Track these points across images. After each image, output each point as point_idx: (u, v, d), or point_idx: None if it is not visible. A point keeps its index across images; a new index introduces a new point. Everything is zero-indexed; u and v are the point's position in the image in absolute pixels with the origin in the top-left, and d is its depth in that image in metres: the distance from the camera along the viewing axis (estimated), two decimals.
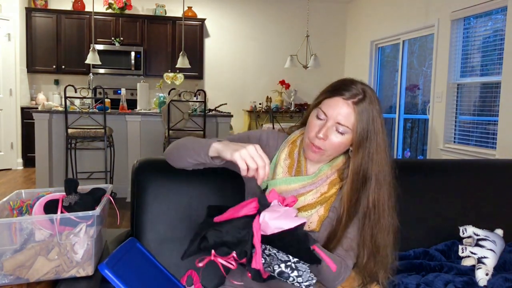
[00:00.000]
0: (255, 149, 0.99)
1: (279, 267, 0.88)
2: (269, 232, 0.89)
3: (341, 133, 1.06)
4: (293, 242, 0.88)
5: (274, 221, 0.88)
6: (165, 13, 6.60)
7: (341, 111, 1.05)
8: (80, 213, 1.07)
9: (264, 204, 0.93)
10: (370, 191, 1.09)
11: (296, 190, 1.11)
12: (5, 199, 1.15)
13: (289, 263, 0.88)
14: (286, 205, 0.94)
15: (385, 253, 1.11)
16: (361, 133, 1.05)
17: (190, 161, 1.17)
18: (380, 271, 1.12)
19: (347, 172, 1.12)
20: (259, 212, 0.92)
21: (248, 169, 0.98)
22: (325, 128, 1.06)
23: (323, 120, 1.08)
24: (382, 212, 1.10)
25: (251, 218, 0.93)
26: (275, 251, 0.90)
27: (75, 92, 4.04)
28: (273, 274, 0.90)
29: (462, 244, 1.52)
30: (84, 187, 1.22)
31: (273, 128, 5.19)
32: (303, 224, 0.90)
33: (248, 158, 0.98)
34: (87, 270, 1.08)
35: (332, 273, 1.05)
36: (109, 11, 6.35)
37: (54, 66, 6.28)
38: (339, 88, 1.07)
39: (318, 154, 1.10)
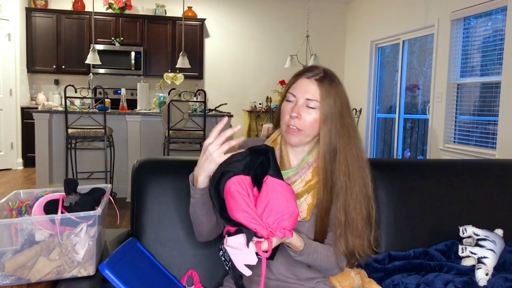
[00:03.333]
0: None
1: (223, 256, 1.02)
2: (225, 245, 0.99)
3: (312, 108, 1.13)
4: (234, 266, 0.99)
5: (230, 249, 0.96)
6: (165, 13, 6.60)
7: (307, 88, 1.13)
8: (82, 213, 1.07)
9: (246, 232, 0.97)
10: (340, 161, 1.13)
11: None
12: (3, 199, 1.15)
13: (226, 263, 1.01)
14: (257, 252, 0.97)
15: (357, 223, 1.14)
16: (327, 107, 1.12)
17: (197, 215, 1.16)
18: (355, 241, 1.14)
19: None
20: (238, 232, 0.98)
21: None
22: (297, 107, 1.13)
23: (293, 101, 1.15)
24: (353, 183, 1.13)
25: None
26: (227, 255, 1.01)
27: (75, 92, 4.04)
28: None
29: (462, 244, 1.52)
30: (83, 187, 1.22)
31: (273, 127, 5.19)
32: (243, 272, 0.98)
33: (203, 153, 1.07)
34: (89, 270, 1.08)
35: (330, 264, 1.14)
36: (109, 11, 6.35)
37: (54, 66, 6.28)
38: (301, 72, 1.17)
39: (296, 135, 1.15)
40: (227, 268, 1.00)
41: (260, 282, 0.99)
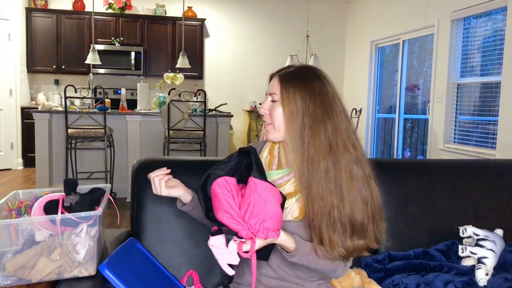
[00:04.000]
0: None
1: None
2: (209, 245, 1.01)
3: (275, 101, 1.18)
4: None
5: (213, 248, 0.99)
6: (165, 13, 6.60)
7: (272, 84, 1.20)
8: (83, 213, 1.07)
9: (226, 232, 0.99)
10: (306, 147, 1.10)
11: (275, 181, 1.15)
12: (2, 200, 1.14)
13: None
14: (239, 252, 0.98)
15: (326, 210, 1.08)
16: (286, 96, 1.14)
17: (198, 216, 1.25)
18: (336, 238, 1.08)
19: None
20: (219, 232, 1.00)
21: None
22: (264, 103, 1.21)
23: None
24: (316, 170, 1.08)
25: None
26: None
27: (75, 92, 4.04)
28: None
29: (462, 244, 1.52)
30: (83, 187, 1.22)
31: None
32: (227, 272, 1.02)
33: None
34: (89, 270, 1.08)
35: (327, 267, 1.13)
36: (109, 11, 6.35)
37: (54, 66, 6.28)
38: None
39: (269, 130, 1.20)
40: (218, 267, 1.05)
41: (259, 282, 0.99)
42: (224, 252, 0.97)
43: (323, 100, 1.13)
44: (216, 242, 0.98)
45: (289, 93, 1.14)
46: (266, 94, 1.22)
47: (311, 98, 1.13)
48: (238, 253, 0.97)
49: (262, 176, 1.04)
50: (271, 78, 1.24)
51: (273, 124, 1.18)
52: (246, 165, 1.06)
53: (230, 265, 0.99)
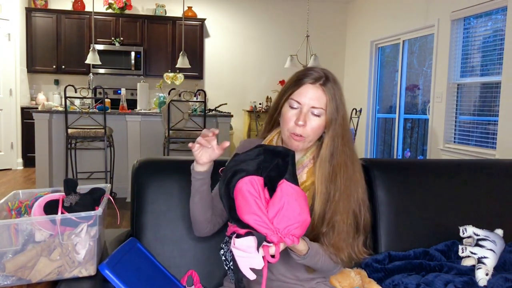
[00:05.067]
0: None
1: (224, 255, 1.06)
2: (231, 247, 0.97)
3: (317, 116, 1.12)
4: (237, 268, 0.97)
5: (237, 251, 0.94)
6: (165, 13, 6.60)
7: (313, 95, 1.12)
8: (83, 213, 1.07)
9: (257, 235, 0.95)
10: (338, 165, 1.14)
11: None
12: (2, 200, 1.14)
13: (227, 263, 1.03)
14: (264, 256, 0.95)
15: (339, 228, 1.13)
16: (331, 112, 1.12)
17: (195, 200, 1.17)
18: (334, 244, 1.13)
19: (317, 153, 1.18)
20: (246, 234, 0.95)
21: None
22: (302, 114, 1.12)
23: (297, 108, 1.13)
24: (349, 186, 1.14)
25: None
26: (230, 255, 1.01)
27: (75, 92, 4.04)
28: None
29: (462, 244, 1.52)
30: (83, 187, 1.22)
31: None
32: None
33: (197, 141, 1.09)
34: (90, 270, 1.08)
35: (329, 266, 1.13)
36: (109, 11, 6.35)
37: (54, 66, 6.28)
38: (303, 76, 1.14)
39: (300, 141, 1.14)
40: (226, 268, 0.98)
41: (261, 282, 0.98)
42: (249, 256, 0.92)
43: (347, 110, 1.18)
44: (242, 245, 0.92)
45: (334, 105, 1.12)
46: (294, 101, 1.13)
47: (345, 107, 1.15)
48: (262, 258, 0.93)
49: (296, 181, 0.99)
50: (298, 83, 1.14)
51: (307, 137, 1.14)
52: (277, 166, 0.99)
53: (252, 269, 0.94)
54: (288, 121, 1.14)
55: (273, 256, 0.94)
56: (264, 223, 0.92)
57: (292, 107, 1.14)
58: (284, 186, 0.96)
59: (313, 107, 1.12)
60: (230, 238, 1.00)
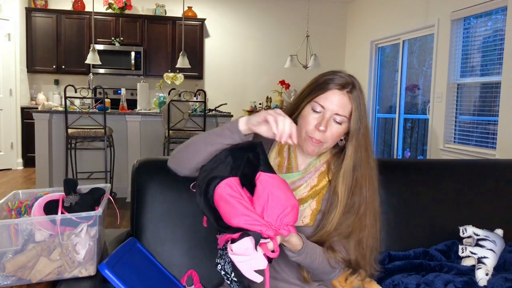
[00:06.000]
0: (281, 112, 0.99)
1: (223, 269, 0.96)
2: (229, 254, 0.91)
3: (339, 123, 1.10)
4: (240, 274, 0.91)
5: (236, 256, 0.89)
6: (165, 13, 6.60)
7: (338, 102, 1.08)
8: (83, 213, 1.07)
9: (252, 235, 0.91)
10: (362, 175, 1.12)
11: None
12: (2, 200, 1.15)
13: (228, 276, 0.95)
14: (265, 254, 0.92)
15: (367, 242, 1.13)
16: (356, 120, 1.10)
17: (208, 149, 1.05)
18: (359, 259, 1.13)
19: (338, 162, 1.14)
20: (241, 237, 0.91)
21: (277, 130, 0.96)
22: (325, 120, 1.08)
23: (320, 112, 1.10)
24: (370, 199, 1.12)
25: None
26: (227, 260, 0.94)
27: (75, 92, 4.04)
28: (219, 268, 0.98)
29: (462, 244, 1.52)
30: (83, 187, 1.22)
31: None
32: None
33: (279, 118, 0.97)
34: (89, 270, 1.08)
35: (325, 268, 1.11)
36: (109, 11, 6.35)
37: (54, 66, 6.28)
38: (329, 81, 1.10)
39: (317, 146, 1.11)
40: (229, 282, 0.93)
41: (265, 283, 0.95)
42: (250, 258, 0.89)
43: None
44: (240, 249, 0.89)
45: (358, 115, 1.10)
46: (318, 105, 1.09)
47: (367, 123, 1.13)
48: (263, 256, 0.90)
49: (272, 170, 0.98)
50: (325, 87, 1.09)
51: (325, 142, 1.11)
52: (248, 161, 0.97)
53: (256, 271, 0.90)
54: (308, 124, 1.10)
55: (273, 252, 0.92)
56: (256, 221, 0.90)
57: (315, 111, 1.10)
58: (262, 178, 0.95)
59: (336, 114, 1.08)
60: (223, 250, 0.97)
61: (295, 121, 1.12)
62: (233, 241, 0.91)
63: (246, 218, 0.90)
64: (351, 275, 1.16)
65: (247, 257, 0.89)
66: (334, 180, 1.13)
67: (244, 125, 1.02)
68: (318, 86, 1.11)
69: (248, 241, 0.89)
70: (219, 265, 0.96)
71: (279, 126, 0.96)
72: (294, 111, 1.16)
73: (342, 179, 1.11)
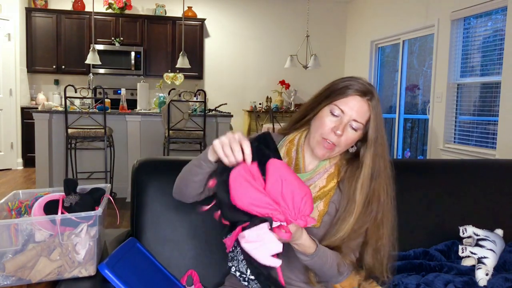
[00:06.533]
0: (233, 135, 0.98)
1: (237, 271, 0.95)
2: (242, 244, 0.89)
3: (355, 129, 1.09)
4: (258, 268, 0.90)
5: (250, 244, 0.88)
6: (165, 13, 6.60)
7: (358, 108, 1.08)
8: (83, 213, 1.07)
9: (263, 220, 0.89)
10: (379, 184, 1.12)
11: None
12: (2, 200, 1.15)
13: (244, 276, 0.93)
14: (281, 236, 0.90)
15: (384, 251, 1.14)
16: (374, 129, 1.10)
17: (196, 179, 1.10)
18: (376, 267, 1.14)
19: (353, 170, 1.14)
20: (257, 222, 0.90)
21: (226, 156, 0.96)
22: (342, 124, 1.08)
23: (338, 116, 1.09)
24: (387, 207, 1.14)
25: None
26: (240, 258, 0.94)
27: (75, 92, 4.04)
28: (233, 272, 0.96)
29: (462, 244, 1.52)
30: (83, 187, 1.22)
31: (273, 128, 5.19)
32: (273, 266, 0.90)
33: (225, 144, 0.96)
34: (89, 270, 1.08)
35: (333, 272, 1.09)
36: (109, 11, 6.35)
37: (54, 66, 6.28)
38: (350, 86, 1.10)
39: (328, 151, 1.11)
40: (246, 283, 0.89)
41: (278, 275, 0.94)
42: (264, 243, 0.87)
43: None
44: (253, 236, 0.87)
45: (375, 123, 1.10)
46: (337, 108, 1.09)
47: (384, 133, 1.13)
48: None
49: (280, 158, 0.99)
50: (345, 91, 1.09)
51: (338, 146, 1.11)
52: (258, 149, 0.97)
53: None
54: (324, 126, 1.10)
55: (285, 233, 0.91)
56: (267, 204, 0.89)
57: (333, 114, 1.10)
58: (274, 163, 0.95)
59: (354, 120, 1.08)
60: (233, 251, 0.98)
61: (309, 122, 1.16)
62: (244, 229, 0.90)
63: (258, 199, 0.89)
64: (364, 281, 1.16)
65: (260, 243, 0.88)
66: (348, 187, 1.13)
67: (211, 154, 1.03)
68: (338, 90, 1.10)
69: (259, 227, 0.88)
70: (233, 267, 0.96)
71: (227, 155, 0.95)
72: (309, 112, 1.16)
73: (360, 188, 1.11)
